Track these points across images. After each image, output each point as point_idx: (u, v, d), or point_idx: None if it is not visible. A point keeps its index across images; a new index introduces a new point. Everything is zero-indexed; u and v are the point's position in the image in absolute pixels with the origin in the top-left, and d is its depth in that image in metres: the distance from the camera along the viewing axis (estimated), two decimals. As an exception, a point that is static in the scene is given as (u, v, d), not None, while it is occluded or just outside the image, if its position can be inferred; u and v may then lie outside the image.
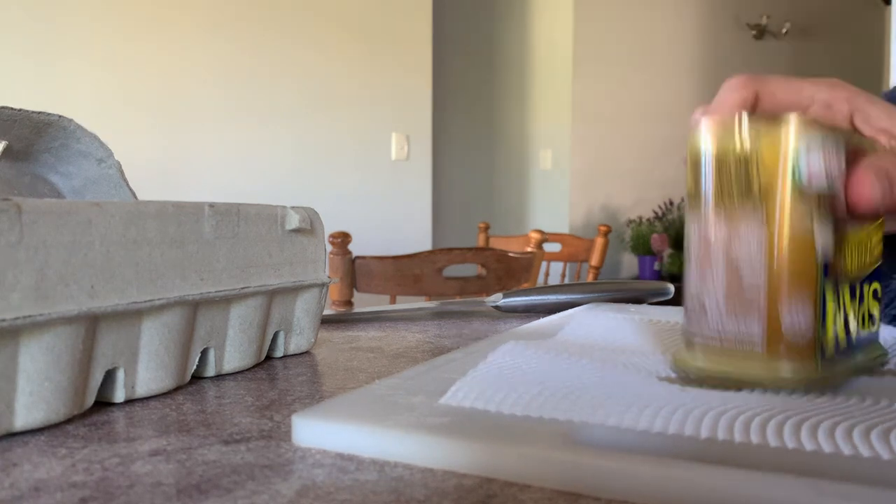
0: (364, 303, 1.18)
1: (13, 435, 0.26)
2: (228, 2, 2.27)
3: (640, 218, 3.59)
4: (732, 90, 0.31)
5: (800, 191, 0.25)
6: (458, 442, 0.22)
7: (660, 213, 3.60)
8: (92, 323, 0.27)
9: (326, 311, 0.60)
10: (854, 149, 0.27)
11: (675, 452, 0.21)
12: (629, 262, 3.71)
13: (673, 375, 0.30)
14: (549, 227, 3.43)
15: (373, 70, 2.63)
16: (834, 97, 0.31)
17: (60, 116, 0.37)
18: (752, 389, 0.27)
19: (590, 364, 0.31)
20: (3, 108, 0.35)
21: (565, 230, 3.44)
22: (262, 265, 0.37)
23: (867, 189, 0.26)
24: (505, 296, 0.59)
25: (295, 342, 0.41)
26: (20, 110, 0.35)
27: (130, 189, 0.42)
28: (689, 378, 0.28)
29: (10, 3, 1.89)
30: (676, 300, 0.36)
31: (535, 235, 1.54)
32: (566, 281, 3.10)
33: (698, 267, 0.28)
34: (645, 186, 3.76)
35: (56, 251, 0.26)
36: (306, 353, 0.43)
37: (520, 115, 3.71)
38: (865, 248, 0.29)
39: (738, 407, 0.24)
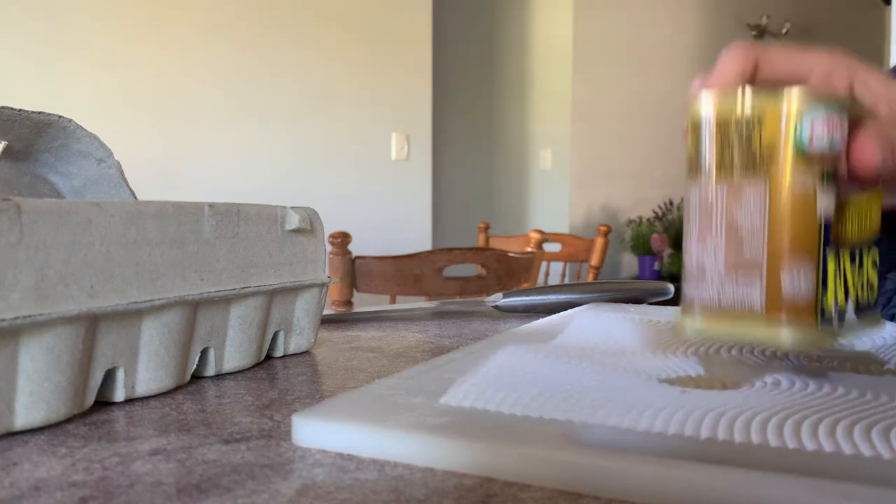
0: (364, 303, 1.18)
1: (13, 434, 0.26)
2: (228, 2, 2.27)
3: (640, 218, 3.59)
4: (732, 59, 0.31)
5: (802, 153, 0.26)
6: (458, 442, 0.22)
7: (660, 213, 3.59)
8: (92, 323, 0.27)
9: (326, 311, 0.60)
10: (855, 116, 0.27)
11: (676, 452, 0.21)
12: (629, 262, 3.71)
13: (673, 377, 0.30)
14: (549, 227, 3.43)
15: (373, 70, 2.63)
16: (834, 67, 0.31)
17: (60, 116, 0.37)
18: (752, 349, 0.27)
19: (590, 367, 0.31)
20: (3, 108, 0.35)
21: (565, 230, 3.44)
22: (262, 265, 0.37)
23: (869, 153, 0.27)
24: (505, 296, 0.59)
25: (295, 342, 0.41)
26: (20, 110, 0.35)
27: (130, 189, 0.42)
28: (689, 339, 0.29)
29: (10, 3, 1.89)
30: (676, 300, 0.36)
31: (535, 235, 1.54)
32: (566, 281, 3.10)
33: (699, 232, 0.28)
34: (645, 186, 3.76)
35: (56, 251, 0.26)
36: (306, 352, 0.43)
37: (520, 115, 3.71)
38: (866, 215, 0.29)
39: (738, 407, 0.24)
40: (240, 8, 2.29)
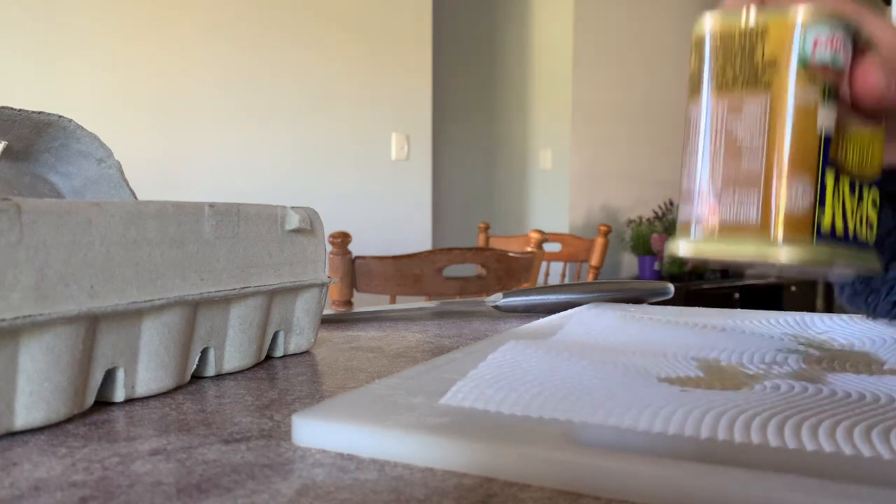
0: (364, 303, 1.18)
1: (13, 434, 0.26)
2: (228, 2, 2.27)
3: (640, 218, 3.59)
4: None
5: (805, 65, 0.26)
6: (458, 442, 0.22)
7: (660, 213, 3.60)
8: (92, 323, 0.27)
9: (326, 311, 0.60)
10: (860, 44, 0.27)
11: (676, 452, 0.21)
12: (629, 262, 3.71)
13: (673, 376, 0.30)
14: (549, 227, 3.43)
15: (373, 70, 2.63)
16: (843, 3, 0.31)
17: (60, 116, 0.37)
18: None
19: (590, 365, 0.31)
20: (3, 108, 0.35)
21: (565, 230, 3.44)
22: (262, 265, 0.37)
23: (873, 79, 0.27)
24: (505, 296, 0.59)
25: (295, 342, 0.41)
26: (20, 110, 0.35)
27: (130, 189, 0.42)
28: (684, 260, 0.29)
29: (10, 3, 1.89)
30: (676, 300, 0.36)
31: (535, 235, 1.54)
32: (566, 281, 3.10)
33: (698, 150, 0.28)
34: (645, 186, 3.76)
35: (56, 251, 0.26)
36: (306, 352, 0.43)
37: (520, 115, 3.71)
38: (868, 150, 0.29)
39: (738, 407, 0.24)
40: (240, 8, 2.29)
